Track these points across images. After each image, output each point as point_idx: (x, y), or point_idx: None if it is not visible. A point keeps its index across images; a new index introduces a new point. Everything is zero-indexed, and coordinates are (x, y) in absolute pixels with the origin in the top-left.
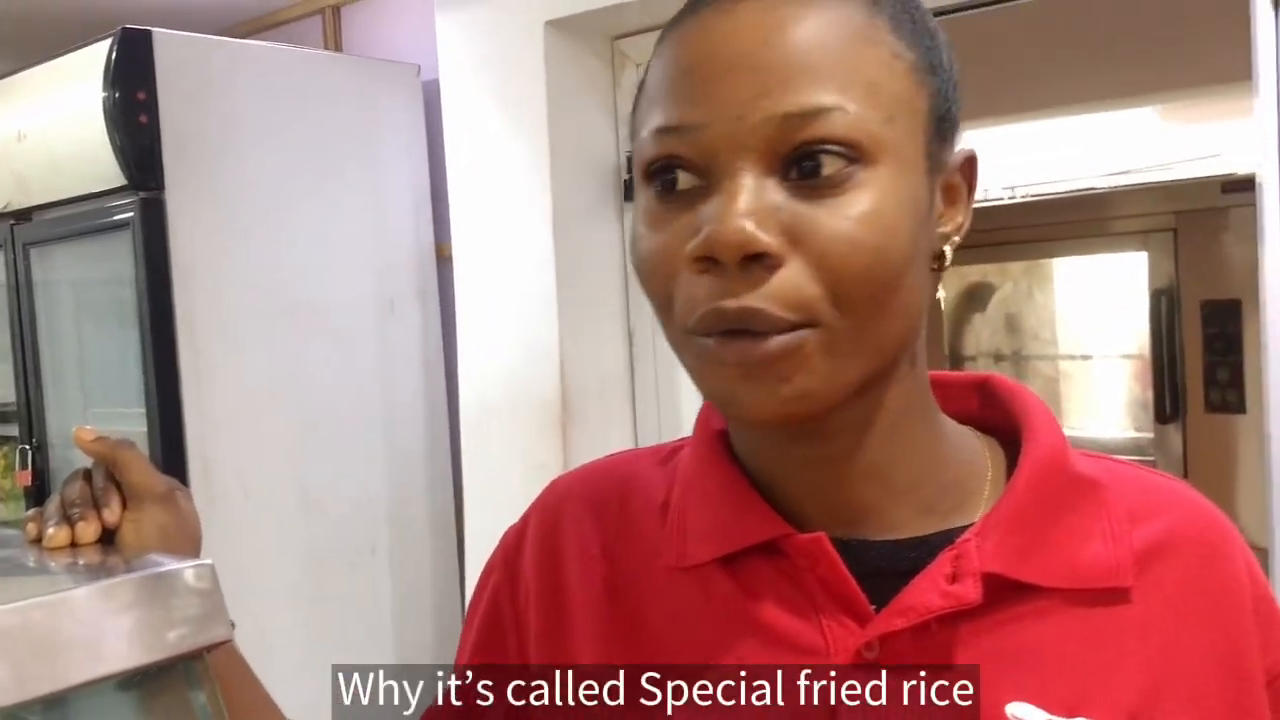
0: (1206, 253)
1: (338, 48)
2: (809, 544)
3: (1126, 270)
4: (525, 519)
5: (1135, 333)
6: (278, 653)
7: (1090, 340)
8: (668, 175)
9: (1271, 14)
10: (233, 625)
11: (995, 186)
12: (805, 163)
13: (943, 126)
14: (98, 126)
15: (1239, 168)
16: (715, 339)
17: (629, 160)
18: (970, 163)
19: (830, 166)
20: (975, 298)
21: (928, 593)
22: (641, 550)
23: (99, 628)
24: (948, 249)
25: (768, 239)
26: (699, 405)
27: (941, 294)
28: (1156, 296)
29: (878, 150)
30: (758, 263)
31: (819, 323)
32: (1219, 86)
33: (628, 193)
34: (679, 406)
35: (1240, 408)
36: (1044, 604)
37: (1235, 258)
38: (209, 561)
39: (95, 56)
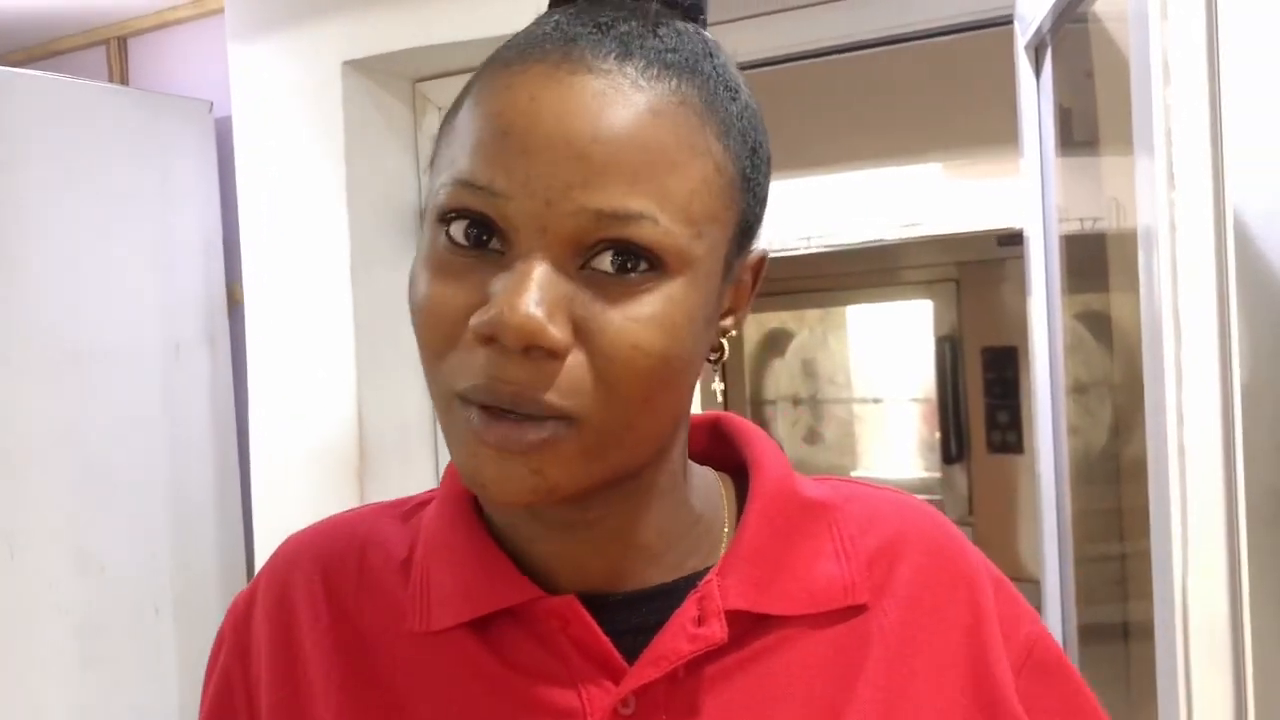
0: (986, 302)
1: (124, 80)
2: (561, 607)
3: (914, 318)
4: (255, 584)
5: (923, 377)
6: None
7: (881, 384)
8: (464, 226)
9: (1034, 79)
10: None
11: (792, 236)
12: (605, 259)
13: (744, 239)
14: None
15: (1013, 222)
16: (480, 413)
17: None
18: (760, 263)
19: (629, 271)
20: (774, 344)
21: (676, 638)
22: (382, 613)
23: None
24: (725, 341)
25: (555, 333)
26: None
27: (719, 385)
28: (941, 343)
29: (679, 264)
30: (540, 352)
31: (584, 419)
32: (995, 146)
33: None
34: None
35: (1019, 448)
36: (787, 633)
37: (1012, 306)
38: None
39: None
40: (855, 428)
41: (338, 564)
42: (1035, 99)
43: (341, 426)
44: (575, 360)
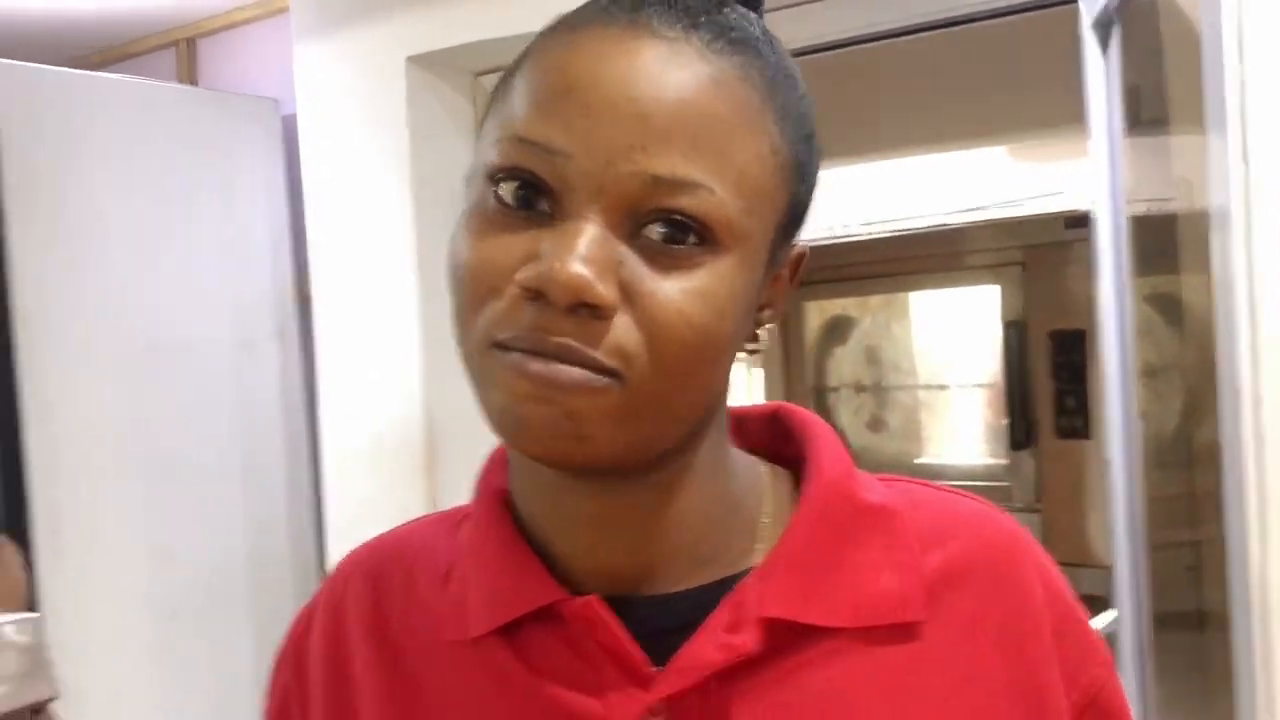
0: (1053, 285)
1: (193, 81)
2: (582, 607)
3: (979, 302)
4: (315, 600)
5: (989, 363)
6: (128, 713)
7: (947, 370)
8: (515, 187)
9: (1100, 57)
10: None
11: (854, 222)
12: (658, 229)
13: (790, 228)
14: None
15: (1080, 204)
16: (522, 354)
17: None
18: (800, 259)
19: (682, 242)
20: (836, 331)
21: (705, 646)
22: (425, 626)
23: None
24: (762, 332)
25: (603, 291)
26: None
27: (749, 365)
28: (1008, 328)
29: (730, 239)
30: (587, 310)
31: (627, 379)
32: (1061, 126)
33: None
34: None
35: (1087, 433)
36: (831, 646)
37: (1079, 290)
38: (34, 615)
39: None
40: (920, 414)
41: (387, 580)
42: (1102, 78)
43: (408, 420)
44: (622, 322)
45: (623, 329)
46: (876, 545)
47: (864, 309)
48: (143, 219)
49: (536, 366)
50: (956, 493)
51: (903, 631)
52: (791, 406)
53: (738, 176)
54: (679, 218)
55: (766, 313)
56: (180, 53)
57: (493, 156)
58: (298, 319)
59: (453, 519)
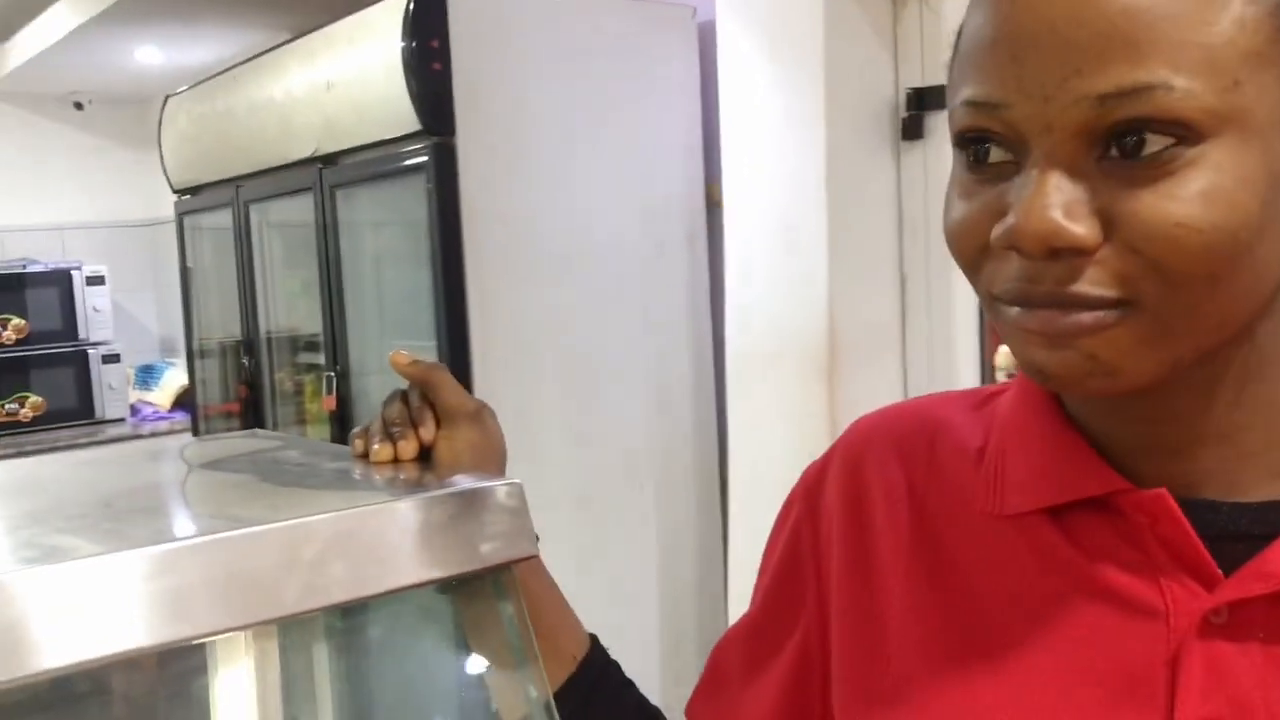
0: None
1: None
2: (1150, 501)
3: None
4: (828, 456)
5: None
6: None
7: None
8: (977, 146)
9: None
10: (537, 538)
11: None
12: (1124, 142)
13: None
14: (397, 75)
15: None
16: (1021, 309)
17: (909, 97)
18: None
19: (1153, 147)
20: None
21: None
22: (951, 495)
23: (421, 537)
24: None
25: (1078, 230)
26: (973, 356)
27: None
28: None
29: (1215, 124)
30: (1068, 252)
31: (1139, 302)
32: None
33: (905, 132)
34: (952, 357)
35: None
36: None
37: None
38: (518, 481)
39: (395, 7)
40: None
41: (909, 446)
42: None
43: (812, 329)
44: (1110, 252)
45: (1115, 257)
46: None
47: None
48: (569, 126)
49: (1034, 322)
50: None
51: None
52: None
53: (1203, 56)
54: (1145, 128)
55: None
56: None
57: (954, 123)
58: (706, 224)
59: (972, 399)
